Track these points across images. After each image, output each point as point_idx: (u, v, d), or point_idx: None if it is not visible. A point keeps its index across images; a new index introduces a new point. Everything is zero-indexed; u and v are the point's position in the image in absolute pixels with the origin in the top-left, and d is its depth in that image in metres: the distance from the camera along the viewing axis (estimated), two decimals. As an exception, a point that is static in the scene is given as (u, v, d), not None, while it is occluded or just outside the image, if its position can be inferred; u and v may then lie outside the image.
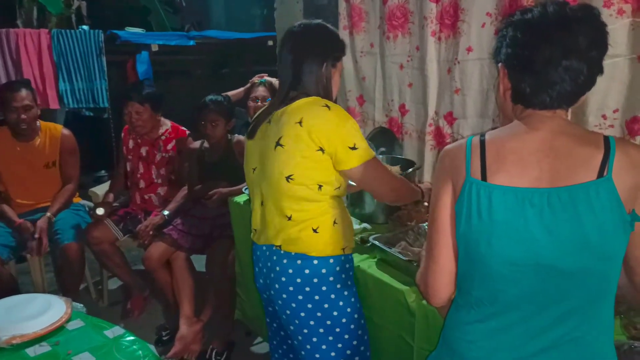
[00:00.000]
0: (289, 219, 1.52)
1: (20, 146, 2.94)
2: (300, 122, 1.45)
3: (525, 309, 1.03)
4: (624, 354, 1.18)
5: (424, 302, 1.53)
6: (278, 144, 1.49)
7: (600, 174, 0.96)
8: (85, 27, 5.08)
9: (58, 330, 1.67)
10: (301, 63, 1.53)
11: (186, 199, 2.93)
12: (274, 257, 1.58)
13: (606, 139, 0.99)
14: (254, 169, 1.63)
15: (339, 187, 1.55)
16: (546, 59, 0.98)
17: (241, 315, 2.72)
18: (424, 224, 1.86)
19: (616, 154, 0.96)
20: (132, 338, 1.64)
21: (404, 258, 1.66)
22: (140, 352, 1.57)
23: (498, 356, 1.06)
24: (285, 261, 1.55)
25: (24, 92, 2.84)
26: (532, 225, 0.98)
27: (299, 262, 1.54)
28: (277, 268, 1.56)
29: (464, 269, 1.11)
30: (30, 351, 1.57)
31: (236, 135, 2.89)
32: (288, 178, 1.48)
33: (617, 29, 1.64)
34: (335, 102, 1.57)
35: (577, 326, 1.01)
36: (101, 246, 2.91)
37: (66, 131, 3.08)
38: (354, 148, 1.47)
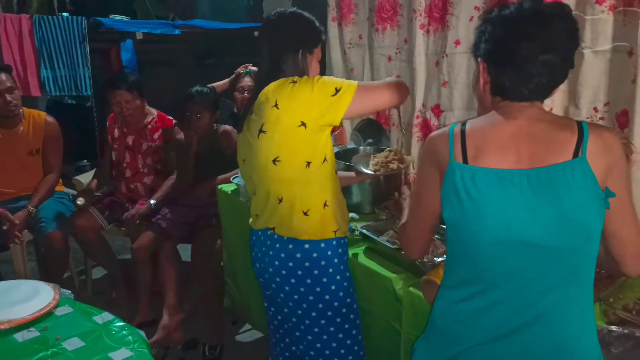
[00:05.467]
0: (280, 201, 1.55)
1: (3, 133, 2.90)
2: (276, 105, 1.47)
3: (509, 286, 1.07)
4: (603, 339, 1.22)
5: (411, 289, 1.57)
6: (261, 131, 1.51)
7: (575, 155, 1.02)
8: (65, 14, 4.97)
9: (46, 316, 1.66)
10: (277, 52, 1.54)
11: (173, 188, 2.92)
12: (268, 242, 1.61)
13: (579, 123, 1.05)
14: (244, 160, 1.65)
15: (325, 160, 1.54)
16: (524, 54, 1.03)
17: (230, 303, 2.73)
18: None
19: (590, 136, 1.02)
20: (121, 324, 1.63)
21: (391, 246, 1.70)
22: (130, 337, 1.57)
23: (483, 334, 1.10)
24: (277, 245, 1.58)
25: (3, 75, 2.79)
26: (514, 204, 1.04)
27: (290, 246, 1.56)
28: (271, 252, 1.59)
29: (451, 250, 1.16)
30: (19, 336, 1.56)
31: (222, 125, 2.88)
32: (274, 161, 1.50)
33: (609, 24, 1.65)
34: None
35: (557, 303, 1.06)
36: (86, 235, 2.89)
37: (50, 118, 3.04)
38: (336, 93, 1.46)
